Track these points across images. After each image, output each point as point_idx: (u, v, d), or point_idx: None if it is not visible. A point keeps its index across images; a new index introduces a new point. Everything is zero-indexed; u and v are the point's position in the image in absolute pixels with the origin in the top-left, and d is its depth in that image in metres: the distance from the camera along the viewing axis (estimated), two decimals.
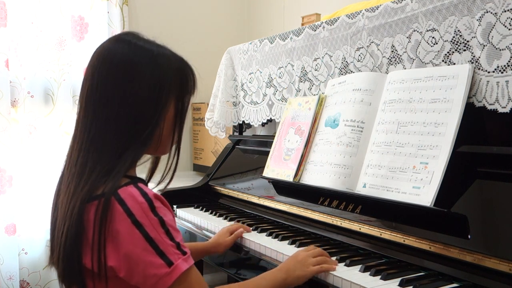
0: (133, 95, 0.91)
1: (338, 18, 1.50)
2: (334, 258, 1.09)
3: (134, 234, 0.83)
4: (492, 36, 1.05)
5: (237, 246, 1.36)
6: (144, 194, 0.86)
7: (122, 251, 0.84)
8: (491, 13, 1.04)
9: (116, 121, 0.90)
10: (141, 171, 1.02)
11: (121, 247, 0.84)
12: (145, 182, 0.94)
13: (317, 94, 1.54)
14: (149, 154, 1.02)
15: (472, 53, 1.11)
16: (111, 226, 0.84)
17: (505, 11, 1.02)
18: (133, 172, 0.96)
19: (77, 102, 2.39)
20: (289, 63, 1.75)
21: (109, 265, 0.85)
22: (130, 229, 0.84)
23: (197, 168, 2.80)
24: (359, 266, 1.05)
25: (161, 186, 1.06)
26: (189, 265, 0.87)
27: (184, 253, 0.88)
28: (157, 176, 1.07)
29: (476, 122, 1.11)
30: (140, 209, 0.84)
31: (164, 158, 1.04)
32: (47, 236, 2.38)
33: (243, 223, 1.48)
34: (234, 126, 2.15)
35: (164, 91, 0.94)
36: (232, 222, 1.53)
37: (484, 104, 1.07)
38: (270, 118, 1.88)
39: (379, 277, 0.99)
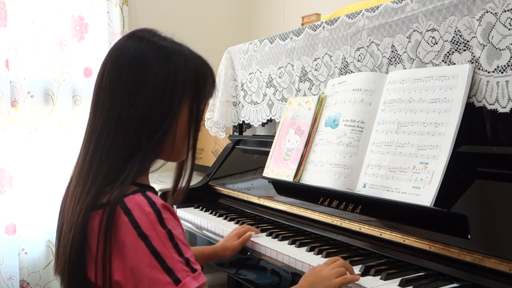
0: (144, 94, 0.85)
1: (338, 18, 1.50)
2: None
3: (139, 248, 0.77)
4: (492, 36, 1.04)
5: None
6: (152, 204, 0.80)
7: (128, 264, 0.78)
8: (491, 13, 1.04)
9: (125, 122, 0.85)
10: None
11: (127, 261, 0.78)
12: (155, 191, 0.88)
13: (317, 94, 1.54)
14: (163, 160, 0.94)
15: (472, 53, 1.11)
16: (117, 237, 0.78)
17: (505, 11, 1.02)
18: (145, 180, 0.90)
19: (77, 102, 2.45)
20: (289, 63, 1.74)
21: (115, 279, 0.79)
22: (135, 242, 0.77)
23: (197, 168, 2.79)
24: (359, 266, 1.05)
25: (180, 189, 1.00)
26: (199, 283, 0.79)
27: (194, 270, 0.80)
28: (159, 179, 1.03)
29: (476, 122, 1.11)
30: (147, 220, 0.78)
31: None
32: (47, 236, 2.38)
33: (243, 223, 1.48)
34: (234, 126, 2.15)
35: (178, 92, 0.87)
36: (233, 222, 1.53)
37: (484, 104, 1.07)
38: (270, 118, 1.88)
39: (379, 277, 0.99)
